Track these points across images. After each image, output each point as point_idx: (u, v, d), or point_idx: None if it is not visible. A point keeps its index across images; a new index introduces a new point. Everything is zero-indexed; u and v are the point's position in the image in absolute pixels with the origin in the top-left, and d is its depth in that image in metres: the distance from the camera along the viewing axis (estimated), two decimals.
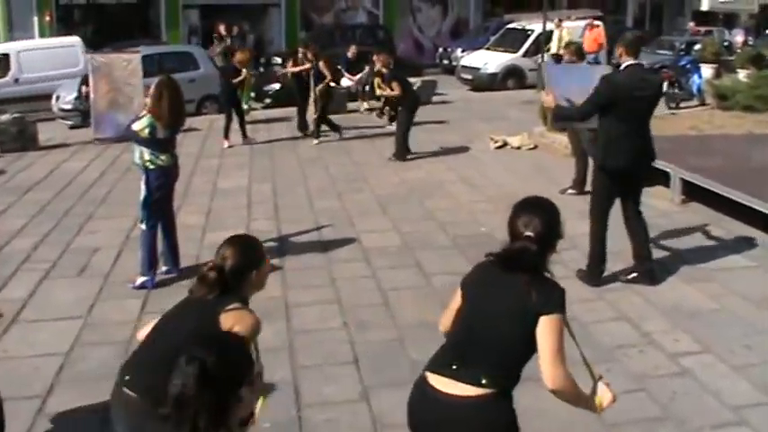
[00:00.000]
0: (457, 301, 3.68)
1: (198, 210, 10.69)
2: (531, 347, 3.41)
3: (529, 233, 3.46)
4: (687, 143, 12.60)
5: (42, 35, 26.53)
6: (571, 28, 24.13)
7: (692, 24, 36.26)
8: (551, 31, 24.27)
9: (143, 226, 8.10)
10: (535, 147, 14.67)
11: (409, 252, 9.04)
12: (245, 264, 3.87)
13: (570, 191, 11.26)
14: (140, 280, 8.01)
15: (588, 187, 10.26)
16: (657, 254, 8.70)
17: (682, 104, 18.91)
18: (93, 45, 24.87)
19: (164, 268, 8.23)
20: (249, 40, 28.18)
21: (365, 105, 19.99)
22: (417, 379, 3.63)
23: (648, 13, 42.99)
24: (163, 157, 7.90)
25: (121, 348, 6.62)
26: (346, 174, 13.06)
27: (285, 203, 11.17)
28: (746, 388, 5.90)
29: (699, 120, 16.50)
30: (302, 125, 16.80)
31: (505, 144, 14.66)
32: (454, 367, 3.44)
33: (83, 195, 11.58)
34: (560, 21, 24.05)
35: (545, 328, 3.38)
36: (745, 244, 8.96)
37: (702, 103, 19.34)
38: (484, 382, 3.38)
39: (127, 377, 3.76)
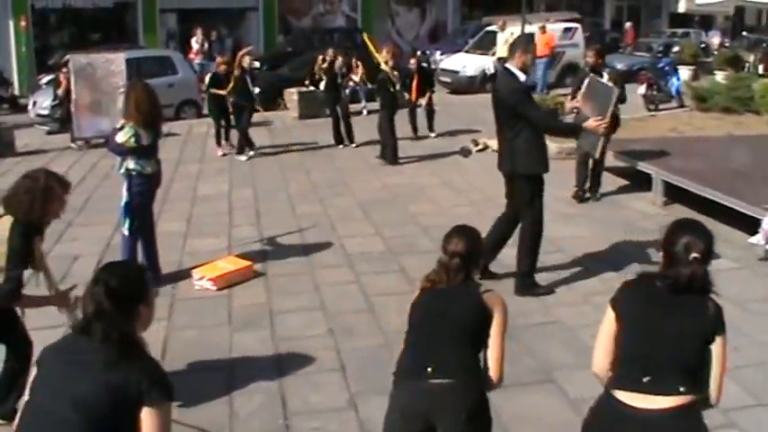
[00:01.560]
0: (610, 323, 3.72)
1: (179, 216, 10.60)
2: (704, 362, 3.48)
3: (696, 255, 3.57)
4: (668, 145, 12.62)
5: (18, 41, 26.34)
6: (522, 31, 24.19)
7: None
8: (531, 34, 24.28)
9: (125, 231, 8.02)
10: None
11: (393, 257, 8.99)
12: None
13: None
14: None
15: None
16: (641, 257, 8.70)
17: (661, 106, 18.99)
18: (70, 50, 24.78)
19: None
20: (227, 44, 28.09)
21: None
22: (599, 402, 3.65)
23: (626, 15, 43.20)
24: (148, 166, 7.85)
25: None
26: (328, 179, 12.99)
27: (267, 209, 11.09)
28: (735, 391, 5.87)
29: (678, 121, 16.58)
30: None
31: (486, 147, 14.65)
32: (646, 380, 3.43)
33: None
34: (504, 23, 24.00)
35: (720, 347, 3.49)
36: (728, 245, 8.95)
37: (681, 105, 19.44)
38: (682, 390, 3.40)
39: None
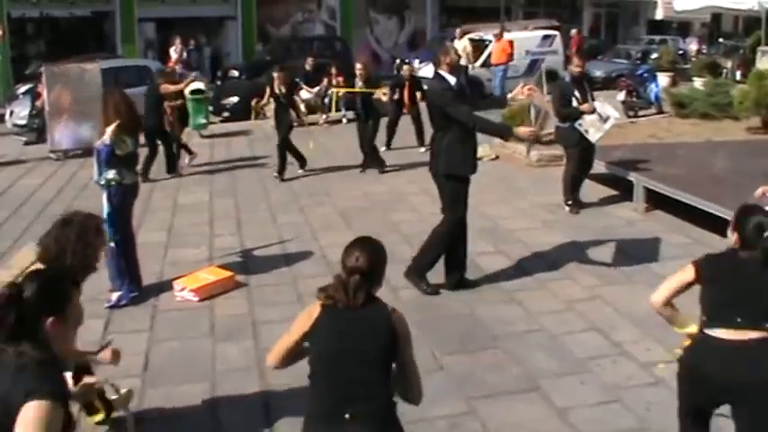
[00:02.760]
0: (687, 277, 4.54)
1: (159, 226, 10.53)
2: None
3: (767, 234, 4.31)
4: (648, 152, 12.67)
5: None
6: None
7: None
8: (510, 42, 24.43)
9: (111, 243, 7.93)
10: (496, 157, 14.68)
11: None
12: None
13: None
14: (115, 296, 7.86)
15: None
16: (624, 263, 8.72)
17: (640, 113, 19.07)
18: (47, 59, 24.60)
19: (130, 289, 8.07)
20: (205, 53, 28.03)
21: (323, 118, 19.91)
22: (696, 341, 4.40)
23: (604, 22, 43.47)
24: (127, 177, 7.83)
25: None
26: (308, 188, 12.95)
27: (248, 219, 11.04)
28: None
29: (658, 128, 16.66)
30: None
31: None
32: (739, 320, 4.19)
33: (40, 213, 11.33)
34: (463, 32, 24.08)
35: None
36: (709, 251, 8.96)
37: (660, 112, 19.52)
38: (766, 325, 4.17)
39: None
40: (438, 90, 7.80)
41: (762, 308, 4.25)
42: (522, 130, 8.16)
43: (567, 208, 10.92)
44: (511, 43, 24.22)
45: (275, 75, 14.17)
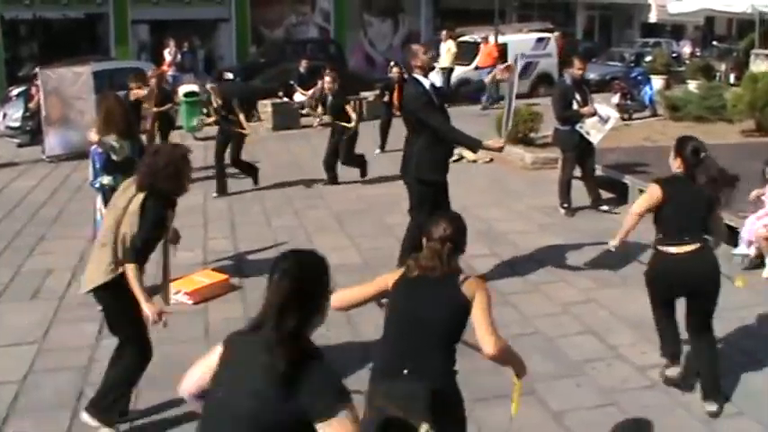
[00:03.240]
0: (655, 192, 5.80)
1: None
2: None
3: (704, 154, 5.74)
4: (643, 154, 12.68)
5: None
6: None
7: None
8: (505, 45, 24.45)
9: None
10: (491, 160, 14.66)
11: (370, 269, 8.91)
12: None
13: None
14: None
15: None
16: (619, 266, 8.71)
17: (634, 115, 19.09)
18: (40, 61, 24.52)
19: None
20: (199, 56, 27.99)
21: (318, 120, 19.87)
22: (654, 257, 5.99)
23: (597, 25, 43.53)
24: (122, 182, 7.77)
25: (78, 374, 6.45)
26: (302, 191, 12.92)
27: (242, 222, 11.01)
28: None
29: (652, 130, 16.67)
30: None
31: (461, 158, 14.63)
32: (686, 238, 5.68)
33: (34, 215, 11.30)
34: (449, 33, 24.03)
35: (716, 215, 5.97)
36: None
37: (654, 114, 19.55)
38: (701, 238, 5.73)
39: None
40: (413, 94, 7.77)
41: (701, 223, 5.74)
42: (491, 143, 8.21)
43: (563, 211, 10.91)
44: (498, 47, 24.19)
45: (209, 87, 13.66)
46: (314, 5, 33.86)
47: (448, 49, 22.55)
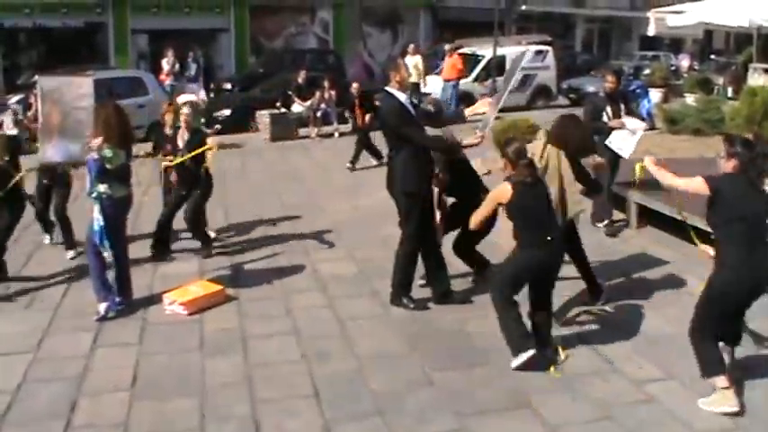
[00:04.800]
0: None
1: (148, 239, 10.42)
2: None
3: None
4: None
5: None
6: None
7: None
8: (503, 57, 24.46)
9: (106, 254, 7.87)
10: (488, 172, 14.62)
11: (366, 280, 8.92)
12: None
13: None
14: (102, 307, 7.81)
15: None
16: (616, 279, 8.71)
17: None
18: (40, 69, 24.47)
19: (117, 299, 8.00)
20: (200, 64, 27.94)
21: (316, 131, 19.90)
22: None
23: (596, 38, 43.66)
24: (119, 191, 7.84)
25: (73, 384, 6.42)
26: (299, 201, 12.91)
27: (239, 232, 10.99)
28: (713, 414, 5.85)
29: (650, 143, 16.61)
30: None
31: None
32: None
33: (30, 224, 11.24)
34: (415, 48, 23.98)
35: None
36: (702, 267, 8.91)
37: (652, 128, 19.53)
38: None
39: None
40: (388, 108, 7.78)
41: None
42: (471, 140, 8.36)
43: (604, 229, 10.77)
44: (462, 59, 24.18)
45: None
46: (313, 16, 33.96)
47: (415, 64, 22.29)
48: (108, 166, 7.69)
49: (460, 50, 26.02)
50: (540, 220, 6.62)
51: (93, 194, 7.77)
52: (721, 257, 5.85)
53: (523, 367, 6.44)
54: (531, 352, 6.46)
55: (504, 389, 6.31)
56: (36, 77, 10.16)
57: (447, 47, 24.85)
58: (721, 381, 5.86)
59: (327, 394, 6.23)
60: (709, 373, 5.92)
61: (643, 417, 5.86)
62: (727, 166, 5.87)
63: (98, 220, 7.79)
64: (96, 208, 7.81)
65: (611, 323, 7.60)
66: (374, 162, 15.61)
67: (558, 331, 7.28)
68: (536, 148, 7.62)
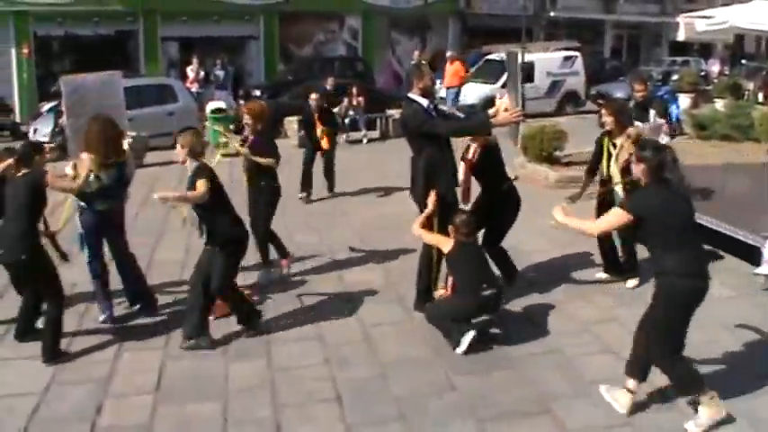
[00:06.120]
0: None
1: (175, 245, 10.53)
2: None
3: None
4: None
5: (20, 68, 26.44)
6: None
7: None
8: (531, 63, 24.46)
9: (85, 259, 8.03)
10: (516, 178, 14.57)
11: (391, 287, 8.94)
12: None
13: None
14: (100, 317, 7.97)
15: None
16: (642, 285, 8.67)
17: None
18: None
19: (136, 307, 8.09)
20: (230, 73, 28.17)
21: (344, 137, 19.97)
22: None
23: (626, 43, 43.44)
24: (99, 205, 7.72)
25: (99, 387, 6.50)
26: (324, 208, 12.96)
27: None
28: (735, 422, 5.82)
29: (678, 149, 16.51)
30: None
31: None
32: None
33: (61, 229, 11.39)
34: (421, 54, 23.91)
35: None
36: (726, 274, 8.90)
37: (681, 133, 19.40)
38: None
39: None
40: (410, 112, 7.79)
41: None
42: (502, 117, 7.68)
43: None
44: (464, 66, 24.14)
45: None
46: (342, 23, 34.07)
47: None
48: (86, 189, 7.59)
49: (488, 56, 26.05)
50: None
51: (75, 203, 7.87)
52: (662, 267, 5.63)
53: None
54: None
55: (526, 394, 6.31)
56: (61, 80, 10.15)
57: (448, 54, 24.86)
58: (706, 393, 5.70)
59: (349, 399, 6.27)
60: (695, 391, 5.75)
61: (663, 424, 5.83)
62: (637, 169, 5.71)
63: (77, 228, 7.89)
64: (77, 216, 7.91)
65: (630, 330, 7.56)
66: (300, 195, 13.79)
67: (579, 337, 7.29)
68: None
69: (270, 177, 9.20)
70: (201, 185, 6.91)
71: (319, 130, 13.92)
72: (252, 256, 10.07)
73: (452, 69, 23.76)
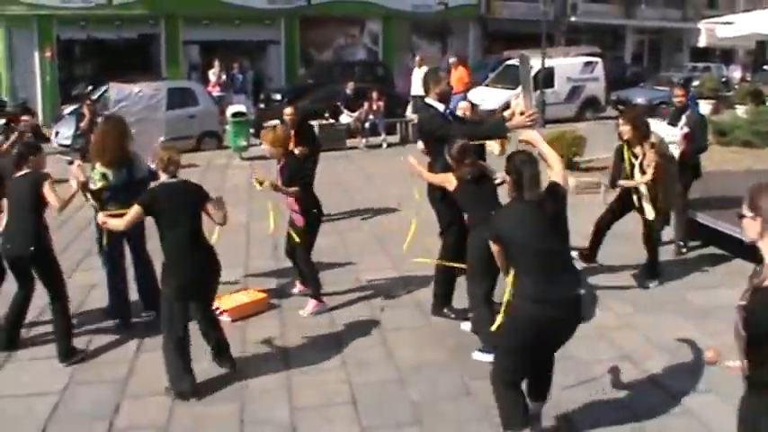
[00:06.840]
0: None
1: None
2: None
3: None
4: None
5: (43, 71, 26.66)
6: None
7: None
8: (551, 68, 24.44)
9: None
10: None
11: (408, 291, 8.97)
12: None
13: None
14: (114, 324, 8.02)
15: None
16: (660, 292, 8.66)
17: None
18: (93, 81, 25.02)
19: (149, 313, 8.11)
20: (249, 77, 28.30)
21: (364, 142, 20.06)
22: None
23: (647, 49, 43.28)
24: (110, 207, 7.64)
25: (117, 387, 6.56)
26: (343, 211, 13.00)
27: (284, 241, 11.07)
28: None
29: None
30: None
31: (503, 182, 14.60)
32: None
33: (81, 232, 11.49)
34: (421, 60, 23.81)
35: None
36: (744, 281, 8.85)
37: None
38: None
39: None
40: (427, 117, 7.87)
41: None
42: (517, 121, 7.35)
43: (684, 249, 10.45)
44: (468, 72, 24.07)
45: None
46: (363, 28, 34.14)
47: (422, 76, 22.23)
48: (91, 186, 7.68)
49: (508, 62, 26.03)
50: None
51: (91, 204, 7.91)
52: (519, 289, 5.32)
53: None
54: None
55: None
56: (106, 86, 10.19)
57: (451, 60, 24.77)
58: None
59: (365, 402, 6.30)
60: (510, 428, 5.40)
61: (679, 430, 5.83)
62: (507, 183, 5.50)
63: (93, 231, 7.95)
64: (92, 219, 7.97)
65: (651, 336, 7.56)
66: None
67: (595, 344, 7.29)
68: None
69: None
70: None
71: (297, 150, 10.40)
72: (266, 262, 10.17)
73: (457, 75, 23.68)
